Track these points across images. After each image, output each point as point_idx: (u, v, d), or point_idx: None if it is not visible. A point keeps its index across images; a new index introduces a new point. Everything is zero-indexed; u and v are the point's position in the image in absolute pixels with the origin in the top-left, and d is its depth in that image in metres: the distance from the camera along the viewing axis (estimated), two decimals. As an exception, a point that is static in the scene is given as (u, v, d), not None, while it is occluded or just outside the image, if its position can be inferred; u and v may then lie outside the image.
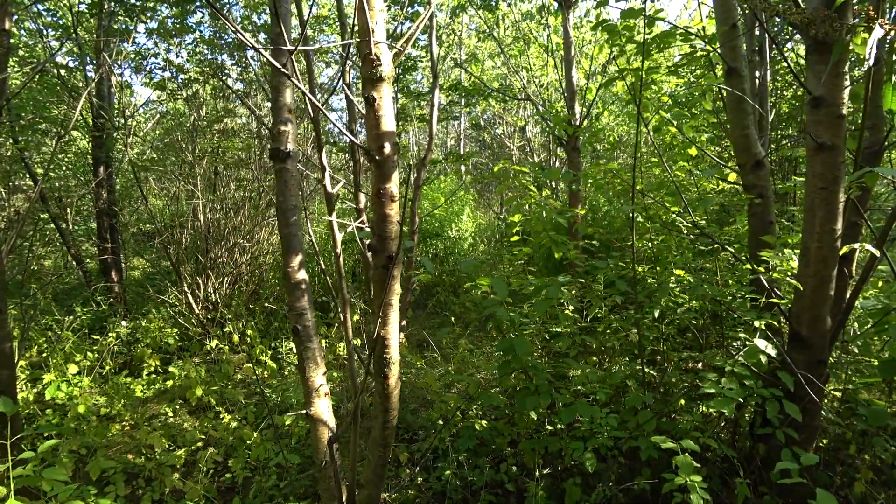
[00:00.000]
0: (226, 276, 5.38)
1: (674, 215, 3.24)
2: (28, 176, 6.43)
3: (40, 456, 1.72)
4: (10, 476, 1.38)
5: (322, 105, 2.45)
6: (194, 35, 7.08)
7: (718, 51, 3.15)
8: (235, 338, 4.86)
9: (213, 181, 6.05)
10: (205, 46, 7.05)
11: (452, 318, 5.85)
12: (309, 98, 1.56)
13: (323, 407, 2.14)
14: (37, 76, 6.34)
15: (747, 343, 2.45)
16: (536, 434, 3.25)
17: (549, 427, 3.10)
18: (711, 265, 3.51)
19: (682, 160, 3.66)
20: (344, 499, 2.04)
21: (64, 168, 7.42)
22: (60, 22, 7.14)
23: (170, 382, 4.58)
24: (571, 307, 4.69)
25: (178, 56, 7.01)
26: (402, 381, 3.48)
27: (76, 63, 7.78)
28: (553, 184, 8.68)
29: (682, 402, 2.75)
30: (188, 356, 4.80)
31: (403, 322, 4.85)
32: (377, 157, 1.48)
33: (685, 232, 3.32)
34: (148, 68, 7.01)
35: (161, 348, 5.11)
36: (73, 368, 4.05)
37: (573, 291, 4.26)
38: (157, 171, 6.12)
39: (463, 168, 12.57)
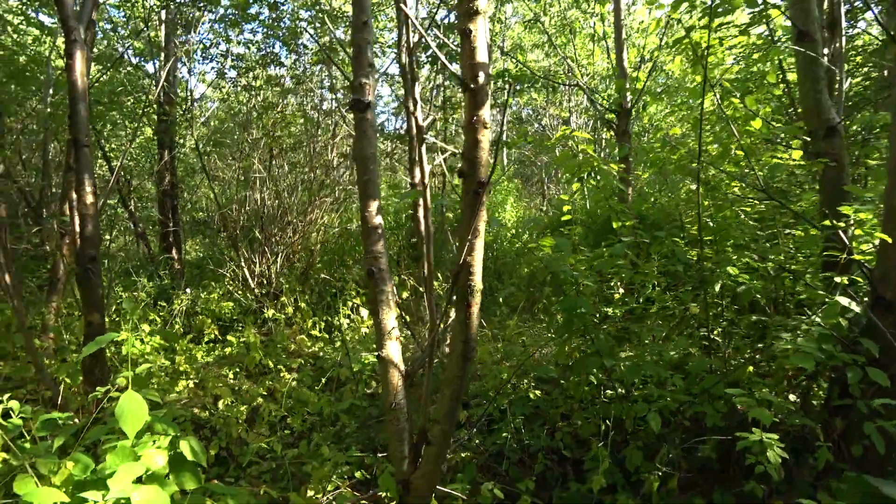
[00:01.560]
0: (279, 254, 5.57)
1: (738, 184, 3.16)
2: (102, 158, 6.82)
3: (133, 380, 1.85)
4: (129, 377, 1.52)
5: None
6: (252, 25, 7.42)
7: (787, 14, 3.07)
8: (289, 310, 5.03)
9: (268, 164, 6.27)
10: (261, 36, 7.37)
11: (501, 300, 5.87)
12: (406, 41, 1.63)
13: (394, 350, 2.21)
14: (110, 68, 6.74)
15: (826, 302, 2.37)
16: (592, 405, 3.24)
17: (609, 393, 3.08)
18: (779, 241, 3.40)
19: (744, 134, 3.57)
20: (415, 437, 2.10)
21: (132, 153, 7.86)
22: (124, 17, 7.60)
23: (228, 349, 4.78)
24: (622, 290, 4.63)
25: (238, 45, 7.33)
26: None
27: (142, 58, 8.27)
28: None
29: (751, 369, 2.69)
30: (250, 322, 5.00)
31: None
32: (472, 86, 1.54)
33: (749, 202, 3.24)
34: (210, 57, 7.38)
35: (219, 320, 5.34)
36: (145, 328, 4.30)
37: (622, 274, 4.21)
38: (217, 153, 6.40)
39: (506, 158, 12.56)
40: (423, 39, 6.16)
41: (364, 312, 5.15)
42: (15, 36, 6.53)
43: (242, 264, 5.28)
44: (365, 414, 3.53)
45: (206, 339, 4.95)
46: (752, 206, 3.43)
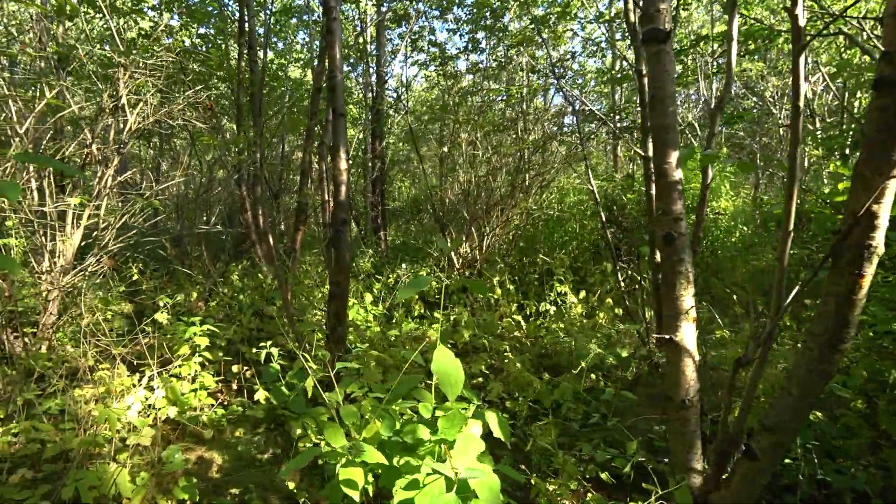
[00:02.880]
0: (485, 236, 5.51)
1: None
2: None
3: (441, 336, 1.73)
4: (439, 331, 1.39)
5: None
6: (456, 12, 7.62)
7: None
8: (498, 291, 4.91)
9: (473, 147, 6.29)
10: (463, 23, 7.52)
11: (734, 297, 4.99)
12: None
13: (689, 333, 1.80)
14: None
15: None
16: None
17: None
18: None
19: None
20: (724, 445, 1.66)
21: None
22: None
23: (436, 326, 4.84)
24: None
25: (443, 32, 7.58)
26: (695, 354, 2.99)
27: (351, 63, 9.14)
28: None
29: None
30: (456, 299, 5.03)
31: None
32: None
33: None
34: (419, 49, 7.78)
35: (423, 297, 5.49)
36: (368, 297, 4.57)
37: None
38: (424, 135, 6.63)
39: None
40: None
41: (573, 299, 4.79)
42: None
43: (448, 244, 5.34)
44: (592, 407, 3.18)
45: (415, 314, 5.10)
46: None
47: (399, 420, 1.41)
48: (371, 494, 1.29)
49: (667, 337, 1.79)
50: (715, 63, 6.60)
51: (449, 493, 1.00)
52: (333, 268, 3.08)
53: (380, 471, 1.22)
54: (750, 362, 1.50)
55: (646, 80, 4.09)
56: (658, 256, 4.06)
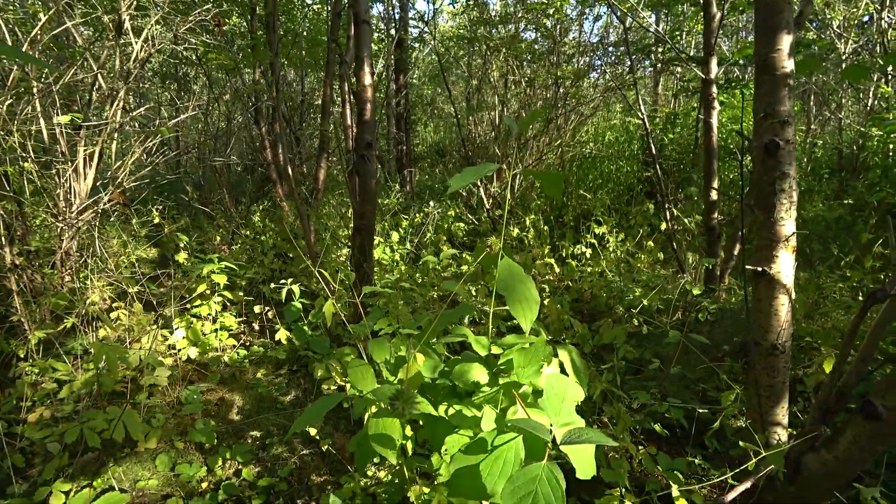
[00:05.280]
0: (517, 176, 5.14)
1: None
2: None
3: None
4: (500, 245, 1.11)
5: None
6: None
7: None
8: (532, 232, 4.60)
9: (504, 80, 5.80)
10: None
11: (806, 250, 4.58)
12: None
13: (787, 265, 1.49)
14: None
15: None
16: None
17: None
18: None
19: None
20: (831, 400, 1.38)
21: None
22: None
23: (464, 267, 4.59)
24: None
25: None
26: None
27: None
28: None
29: None
30: (485, 240, 4.76)
31: (793, 231, 3.88)
32: None
33: None
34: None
35: (452, 240, 5.23)
36: (395, 236, 4.32)
37: None
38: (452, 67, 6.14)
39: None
40: None
41: (611, 241, 4.46)
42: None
43: (479, 184, 5.00)
44: (639, 352, 2.92)
45: (442, 255, 4.86)
46: None
47: (439, 359, 1.14)
48: (410, 451, 1.03)
49: (759, 269, 1.47)
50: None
51: (538, 461, 0.71)
52: (358, 198, 2.80)
53: (420, 421, 0.96)
54: (886, 298, 1.18)
55: (711, -14, 3.56)
56: (713, 195, 3.67)
